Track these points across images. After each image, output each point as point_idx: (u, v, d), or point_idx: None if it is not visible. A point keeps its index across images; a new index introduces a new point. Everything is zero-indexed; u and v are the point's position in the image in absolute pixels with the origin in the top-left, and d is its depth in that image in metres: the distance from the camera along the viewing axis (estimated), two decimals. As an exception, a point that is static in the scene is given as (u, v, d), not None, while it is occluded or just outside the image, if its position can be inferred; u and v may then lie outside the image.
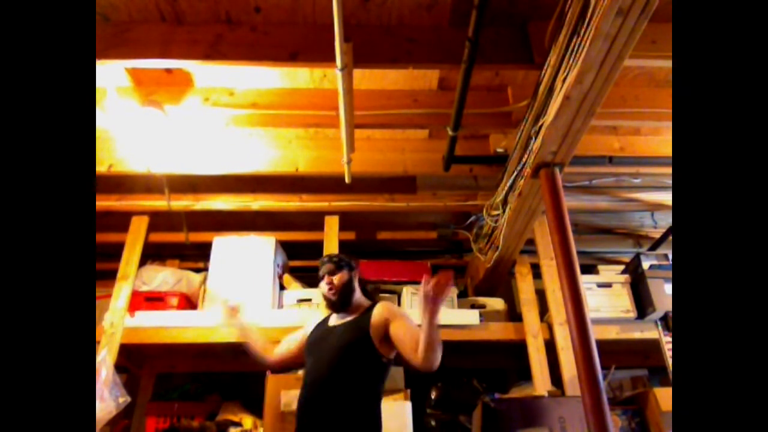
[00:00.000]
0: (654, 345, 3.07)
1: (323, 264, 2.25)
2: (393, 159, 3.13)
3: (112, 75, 2.63)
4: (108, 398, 2.62)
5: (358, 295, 2.23)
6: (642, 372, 3.42)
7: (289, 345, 2.31)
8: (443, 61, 2.39)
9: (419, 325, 1.87)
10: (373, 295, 2.34)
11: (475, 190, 3.38)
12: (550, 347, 3.04)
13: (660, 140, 3.21)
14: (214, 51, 2.33)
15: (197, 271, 3.49)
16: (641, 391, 2.89)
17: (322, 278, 2.22)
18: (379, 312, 2.07)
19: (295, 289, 3.30)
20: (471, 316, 3.11)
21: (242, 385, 3.25)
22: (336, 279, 2.18)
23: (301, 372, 2.29)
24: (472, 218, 3.52)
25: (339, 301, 2.17)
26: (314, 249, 3.43)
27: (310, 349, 2.14)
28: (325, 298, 2.21)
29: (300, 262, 3.76)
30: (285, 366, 2.34)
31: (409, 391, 2.78)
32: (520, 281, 3.34)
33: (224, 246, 3.34)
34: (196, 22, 2.38)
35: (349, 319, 2.15)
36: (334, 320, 2.20)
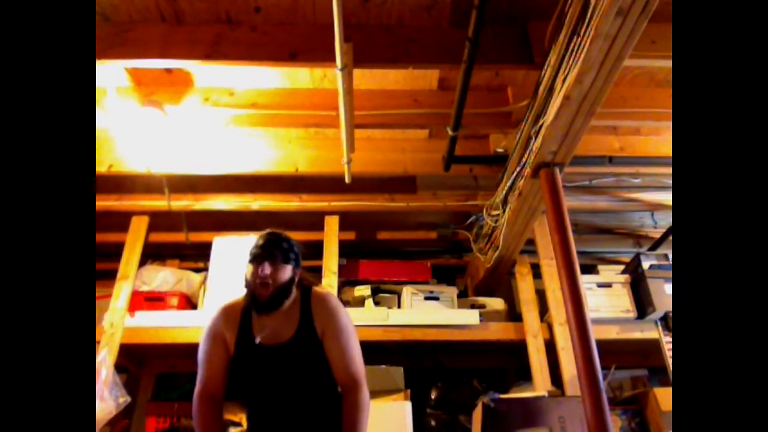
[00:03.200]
0: (654, 345, 3.07)
1: (268, 245, 1.73)
2: (393, 159, 3.13)
3: (112, 75, 2.63)
4: (108, 398, 2.62)
5: (292, 295, 1.76)
6: (642, 372, 3.42)
7: (219, 370, 1.75)
8: (443, 61, 2.39)
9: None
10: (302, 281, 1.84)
11: (475, 190, 3.38)
12: (550, 347, 3.04)
13: (660, 140, 3.21)
14: (214, 51, 2.33)
15: (197, 271, 3.49)
16: (641, 391, 2.89)
17: (259, 262, 1.69)
18: (318, 315, 1.73)
19: (295, 289, 3.30)
20: (471, 316, 3.11)
21: (242, 385, 3.25)
22: (277, 273, 1.69)
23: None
24: (472, 218, 3.52)
25: (268, 304, 1.68)
26: (314, 249, 3.43)
27: (252, 380, 1.72)
28: (252, 291, 1.70)
29: (300, 262, 3.76)
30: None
31: (409, 391, 2.78)
32: (520, 281, 3.34)
33: (224, 246, 3.34)
34: (196, 22, 2.38)
35: (288, 329, 1.71)
36: (264, 330, 1.72)
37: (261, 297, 1.68)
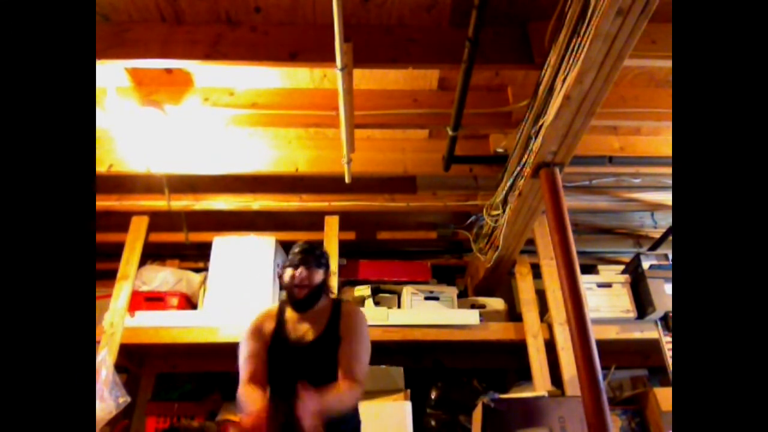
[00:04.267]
0: (654, 345, 3.07)
1: (304, 252, 1.98)
2: (393, 159, 3.13)
3: (112, 75, 2.63)
4: (108, 398, 2.62)
5: (323, 296, 2.02)
6: (642, 372, 3.42)
7: (260, 361, 1.92)
8: (443, 61, 2.40)
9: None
10: (330, 291, 2.08)
11: (475, 190, 3.38)
12: (550, 347, 3.04)
13: (660, 140, 3.21)
14: (214, 51, 2.33)
15: (197, 271, 3.49)
16: (641, 391, 2.89)
17: (296, 267, 1.95)
18: (344, 323, 1.94)
19: (295, 289, 3.30)
20: (471, 316, 3.11)
21: (242, 385, 3.25)
22: (312, 276, 1.94)
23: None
24: (472, 218, 3.52)
25: (305, 302, 1.93)
26: (314, 249, 3.43)
27: (280, 372, 1.88)
28: (291, 291, 1.94)
29: (300, 262, 3.76)
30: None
31: (409, 391, 2.78)
32: (520, 281, 3.34)
33: (224, 246, 3.34)
34: (196, 22, 2.38)
35: (318, 327, 1.93)
36: (297, 329, 1.94)
37: (298, 296, 1.93)
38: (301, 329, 1.94)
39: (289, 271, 1.96)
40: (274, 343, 1.94)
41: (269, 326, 1.98)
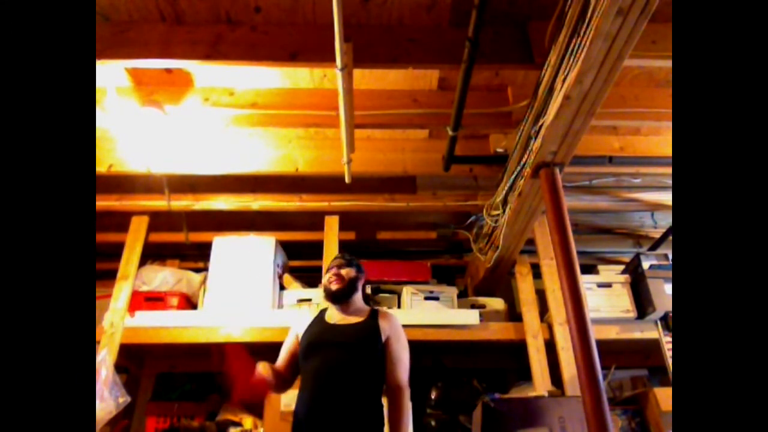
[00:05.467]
0: (654, 345, 3.07)
1: (336, 258, 2.31)
2: (393, 159, 3.13)
3: (112, 75, 2.63)
4: (108, 398, 2.62)
5: (359, 297, 2.23)
6: (642, 372, 3.41)
7: (287, 353, 2.20)
8: (443, 61, 2.39)
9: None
10: (371, 302, 2.29)
11: (475, 190, 3.38)
12: (550, 347, 3.04)
13: (660, 140, 3.21)
14: (214, 51, 2.33)
15: (197, 271, 3.49)
16: (641, 391, 2.89)
17: (330, 269, 2.24)
18: (386, 322, 2.14)
19: (295, 289, 3.31)
20: (471, 316, 3.11)
21: (242, 385, 3.25)
22: (344, 272, 2.20)
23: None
24: (472, 218, 3.52)
25: (340, 293, 2.16)
26: (314, 249, 3.43)
27: (314, 347, 2.06)
28: (327, 287, 2.19)
29: (300, 262, 3.76)
30: (293, 377, 2.16)
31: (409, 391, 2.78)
32: (520, 281, 3.34)
33: (224, 246, 3.34)
34: (196, 22, 2.38)
35: (356, 319, 2.14)
36: (336, 318, 2.16)
37: (334, 288, 2.17)
38: (342, 318, 2.15)
39: (326, 275, 2.24)
40: (312, 326, 2.16)
41: (306, 323, 2.20)
